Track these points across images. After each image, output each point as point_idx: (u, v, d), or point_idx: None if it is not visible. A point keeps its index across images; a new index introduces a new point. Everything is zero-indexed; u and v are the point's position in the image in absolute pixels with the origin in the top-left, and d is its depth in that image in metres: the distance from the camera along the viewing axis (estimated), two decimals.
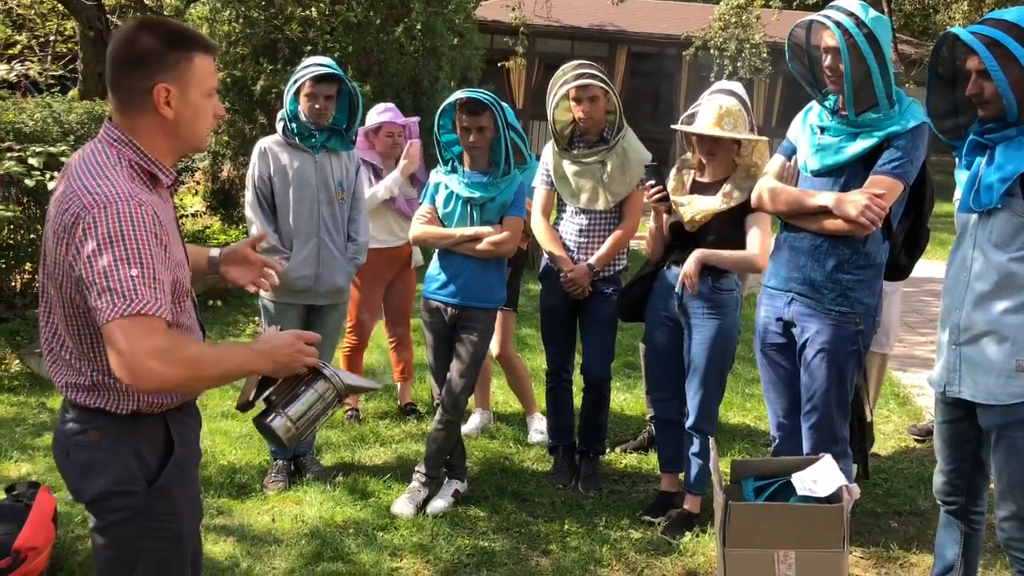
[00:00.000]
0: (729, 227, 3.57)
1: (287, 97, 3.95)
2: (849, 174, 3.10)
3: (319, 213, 3.98)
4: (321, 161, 4.00)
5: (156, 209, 1.89)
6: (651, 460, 4.54)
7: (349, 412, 4.95)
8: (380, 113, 4.81)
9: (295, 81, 3.93)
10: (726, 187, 3.58)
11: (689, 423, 3.80)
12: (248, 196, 4.00)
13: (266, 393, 2.12)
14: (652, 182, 3.69)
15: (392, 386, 5.28)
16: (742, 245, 3.59)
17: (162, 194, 2.01)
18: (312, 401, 2.10)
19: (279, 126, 4.00)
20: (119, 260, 1.79)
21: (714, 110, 3.52)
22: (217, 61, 2.03)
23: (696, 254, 3.53)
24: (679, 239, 3.68)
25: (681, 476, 3.97)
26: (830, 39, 3.01)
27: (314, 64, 3.94)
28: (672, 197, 3.69)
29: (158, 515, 2.00)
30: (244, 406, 2.14)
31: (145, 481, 1.98)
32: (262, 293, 4.07)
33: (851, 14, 2.98)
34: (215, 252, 2.36)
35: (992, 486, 2.83)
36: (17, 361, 5.57)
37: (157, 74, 1.91)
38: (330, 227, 4.02)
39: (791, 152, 3.32)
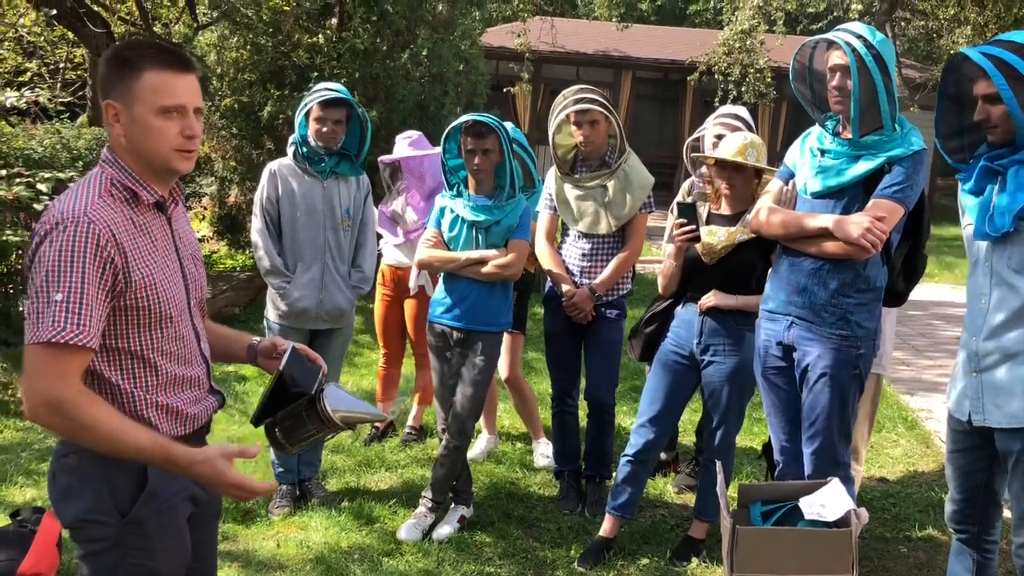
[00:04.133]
0: (749, 260, 3.53)
1: (298, 121, 3.99)
2: (850, 197, 3.08)
3: (324, 239, 4.00)
4: (329, 187, 4.01)
5: (118, 227, 1.86)
6: (658, 485, 4.52)
7: (372, 431, 5.03)
8: (408, 145, 4.79)
9: (305, 105, 3.96)
10: (747, 217, 3.52)
11: (707, 454, 3.78)
12: (256, 223, 4.01)
13: (276, 415, 2.17)
14: (683, 220, 3.53)
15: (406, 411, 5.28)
16: (759, 280, 3.56)
17: (146, 212, 1.97)
18: (310, 433, 2.17)
19: (290, 150, 4.03)
20: (50, 282, 1.78)
21: (738, 140, 3.52)
22: (194, 76, 1.95)
23: (735, 301, 3.53)
24: (696, 273, 3.65)
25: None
26: (840, 58, 3.00)
27: (323, 88, 3.97)
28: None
29: (132, 550, 1.94)
30: (256, 421, 2.20)
31: (119, 513, 1.92)
32: (267, 316, 4.09)
33: (860, 36, 2.99)
34: (255, 340, 2.30)
35: (1005, 514, 2.80)
36: None
37: (108, 91, 1.91)
38: (335, 254, 4.03)
39: (788, 177, 3.31)
